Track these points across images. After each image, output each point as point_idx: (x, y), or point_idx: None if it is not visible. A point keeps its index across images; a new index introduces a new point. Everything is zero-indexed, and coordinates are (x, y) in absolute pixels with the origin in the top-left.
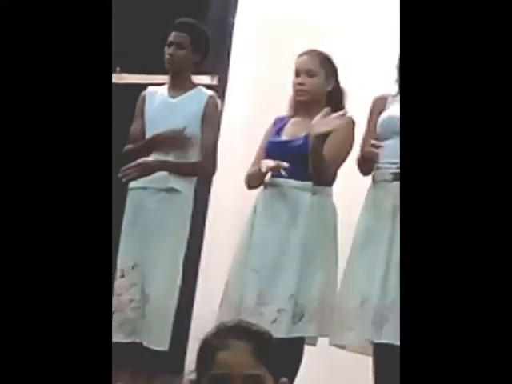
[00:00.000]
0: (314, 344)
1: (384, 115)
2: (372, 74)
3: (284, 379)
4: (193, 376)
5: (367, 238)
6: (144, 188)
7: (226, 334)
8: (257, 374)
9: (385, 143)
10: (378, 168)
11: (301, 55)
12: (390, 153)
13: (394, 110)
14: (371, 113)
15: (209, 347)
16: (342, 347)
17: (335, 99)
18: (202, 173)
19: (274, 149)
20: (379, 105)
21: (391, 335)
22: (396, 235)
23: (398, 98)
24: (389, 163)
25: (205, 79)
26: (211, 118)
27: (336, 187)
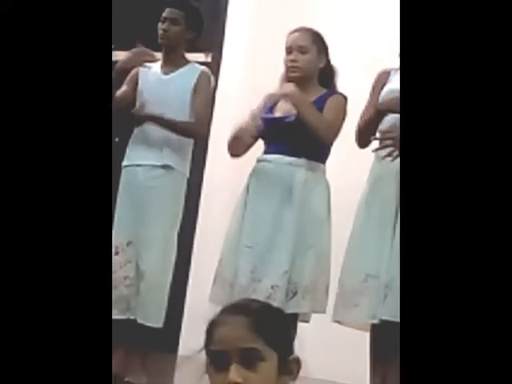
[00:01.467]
0: (307, 321)
1: (386, 89)
2: (372, 49)
3: (294, 356)
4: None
5: (371, 215)
6: (138, 165)
7: (227, 311)
8: (253, 348)
9: (388, 117)
10: (382, 143)
11: (292, 32)
12: (394, 127)
13: (396, 83)
14: (374, 87)
15: (210, 325)
16: (341, 323)
17: (327, 77)
18: (194, 133)
19: (266, 125)
20: (382, 79)
21: (391, 312)
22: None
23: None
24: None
25: (199, 57)
26: (202, 88)
27: (331, 164)
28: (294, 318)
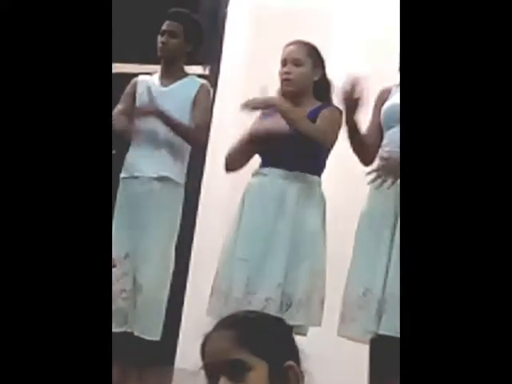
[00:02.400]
0: (304, 334)
1: (387, 104)
2: (371, 64)
3: (289, 363)
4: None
5: (371, 230)
6: (135, 177)
7: (218, 325)
8: (238, 359)
9: (388, 132)
10: (382, 157)
11: (288, 45)
12: (394, 142)
13: (396, 98)
14: (375, 105)
15: (203, 340)
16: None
17: (322, 91)
18: (192, 138)
19: (262, 139)
20: (383, 97)
21: (389, 327)
22: (398, 225)
23: None
24: (392, 152)
25: (197, 69)
26: (202, 102)
27: (329, 177)
28: (289, 327)
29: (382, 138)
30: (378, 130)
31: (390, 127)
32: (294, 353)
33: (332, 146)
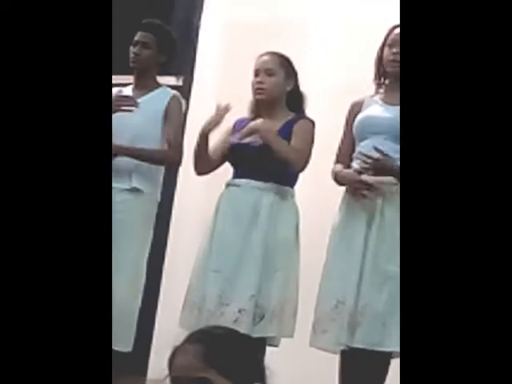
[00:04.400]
0: (276, 345)
1: (360, 116)
2: (346, 76)
3: None
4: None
5: (342, 241)
6: None
7: (188, 339)
8: (204, 377)
9: (361, 144)
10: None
11: (260, 56)
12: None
13: (369, 110)
14: (347, 118)
15: (172, 352)
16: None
17: (295, 102)
18: (167, 161)
19: (235, 150)
20: (355, 109)
21: (362, 340)
22: (371, 238)
23: (375, 98)
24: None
25: (170, 80)
26: (173, 114)
27: (303, 188)
28: (259, 345)
29: (353, 151)
30: (351, 143)
31: (362, 139)
32: (260, 372)
33: (304, 168)
